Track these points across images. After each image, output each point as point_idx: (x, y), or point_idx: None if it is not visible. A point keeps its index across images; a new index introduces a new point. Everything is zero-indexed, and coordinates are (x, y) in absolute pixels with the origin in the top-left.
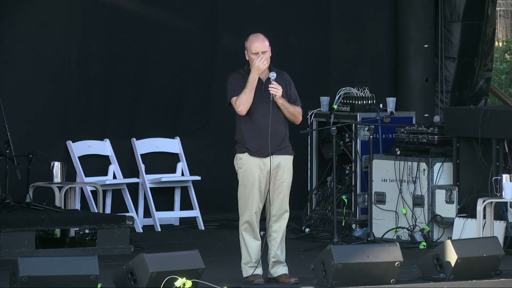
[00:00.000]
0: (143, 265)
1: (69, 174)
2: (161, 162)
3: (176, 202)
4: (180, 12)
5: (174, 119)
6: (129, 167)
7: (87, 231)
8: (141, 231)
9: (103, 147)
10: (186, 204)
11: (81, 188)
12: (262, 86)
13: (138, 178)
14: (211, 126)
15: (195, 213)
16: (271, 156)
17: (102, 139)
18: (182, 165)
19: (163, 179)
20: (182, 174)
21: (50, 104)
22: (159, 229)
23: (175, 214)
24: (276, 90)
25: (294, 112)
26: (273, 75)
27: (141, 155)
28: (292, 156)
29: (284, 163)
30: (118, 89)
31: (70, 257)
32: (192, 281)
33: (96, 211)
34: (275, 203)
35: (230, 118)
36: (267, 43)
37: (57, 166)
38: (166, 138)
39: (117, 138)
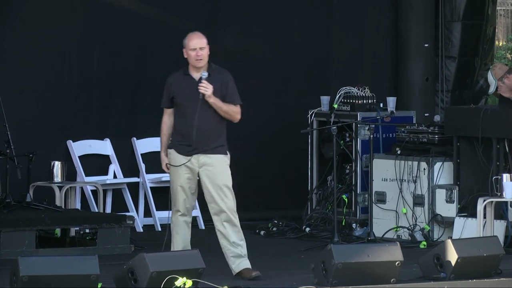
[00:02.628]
0: (144, 264)
1: (70, 174)
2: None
3: None
4: (180, 11)
5: None
6: (129, 167)
7: (87, 230)
8: (142, 230)
9: (104, 147)
10: None
11: (82, 188)
12: (196, 84)
13: (139, 177)
14: None
15: (196, 212)
16: (198, 155)
17: (102, 139)
18: None
19: (163, 179)
20: None
21: (50, 103)
22: (160, 229)
23: None
24: (205, 89)
25: (228, 111)
26: (204, 74)
27: (141, 154)
28: (224, 156)
29: (213, 163)
30: (119, 88)
31: (70, 256)
32: (192, 281)
33: (97, 210)
34: (211, 204)
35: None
36: (205, 40)
37: (57, 165)
38: None
39: (117, 138)
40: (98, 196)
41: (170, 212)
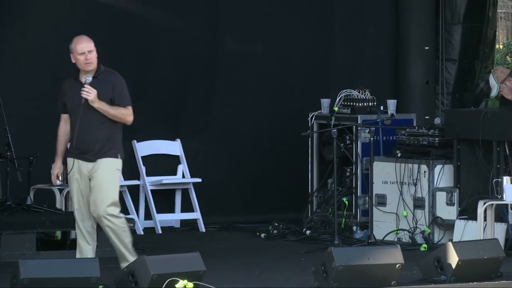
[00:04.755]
0: (144, 267)
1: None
2: (162, 164)
3: (177, 204)
4: (181, 13)
5: (174, 121)
6: (129, 169)
7: None
8: (142, 233)
9: None
10: (187, 206)
11: None
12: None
13: (139, 180)
14: (212, 128)
15: (196, 215)
16: (86, 163)
17: None
18: (183, 167)
19: (164, 181)
20: (183, 176)
21: (50, 106)
22: (160, 231)
23: (176, 216)
24: (87, 93)
25: (117, 114)
26: (88, 78)
27: (141, 157)
28: (113, 159)
29: (99, 167)
30: None
31: (71, 259)
32: (193, 283)
33: None
34: (91, 205)
35: (231, 120)
36: (92, 43)
37: None
38: (167, 140)
39: None
40: None
41: (171, 214)
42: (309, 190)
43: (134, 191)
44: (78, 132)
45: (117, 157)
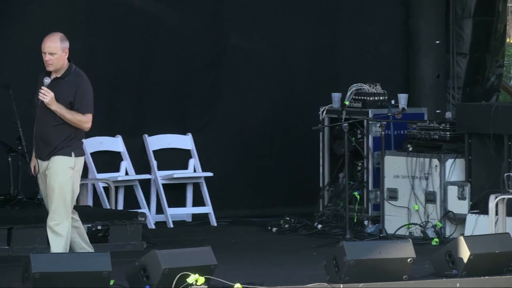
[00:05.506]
0: (156, 261)
1: (82, 170)
2: (173, 158)
3: (188, 198)
4: (187, 9)
5: (185, 115)
6: (141, 164)
7: (99, 227)
8: (154, 227)
9: (115, 144)
10: (198, 201)
11: (93, 185)
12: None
13: (150, 174)
14: (221, 122)
15: (208, 209)
16: (41, 161)
17: (114, 136)
18: (194, 162)
19: (175, 176)
20: (194, 171)
21: None
22: (172, 226)
23: (188, 211)
24: (43, 96)
25: (72, 120)
26: (46, 80)
27: (153, 151)
28: (64, 157)
29: (51, 165)
30: (130, 85)
31: (82, 253)
32: (204, 277)
33: (108, 207)
34: (49, 207)
35: (239, 114)
36: (57, 44)
37: None
38: (178, 135)
39: (129, 135)
40: (110, 193)
41: (182, 208)
42: (320, 184)
43: (145, 185)
44: (36, 131)
45: (70, 155)
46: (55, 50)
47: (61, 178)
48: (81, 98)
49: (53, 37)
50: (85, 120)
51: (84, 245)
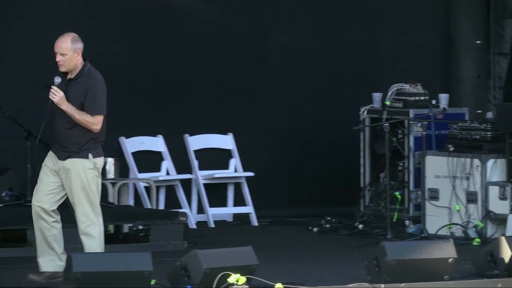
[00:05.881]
0: (197, 261)
1: (122, 170)
2: (214, 158)
3: (230, 198)
4: (228, 7)
5: (226, 115)
6: (182, 163)
7: (140, 227)
8: (195, 227)
9: (156, 143)
10: (239, 200)
11: (134, 184)
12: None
13: (191, 174)
14: (262, 121)
15: (249, 209)
16: (56, 158)
17: (155, 135)
18: (235, 161)
19: (216, 175)
20: (235, 170)
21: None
22: (213, 225)
23: (229, 210)
24: (52, 95)
25: (81, 120)
26: (57, 80)
27: (194, 151)
28: (80, 159)
29: (69, 167)
30: (171, 85)
31: (123, 253)
32: (245, 277)
33: (150, 207)
34: (74, 208)
35: (280, 113)
36: (68, 45)
37: (110, 162)
38: (219, 134)
39: (170, 134)
40: (151, 192)
41: (223, 208)
42: (361, 184)
43: (186, 185)
44: (54, 132)
45: (87, 157)
46: (66, 50)
47: (82, 181)
48: (91, 99)
49: (64, 37)
50: (93, 122)
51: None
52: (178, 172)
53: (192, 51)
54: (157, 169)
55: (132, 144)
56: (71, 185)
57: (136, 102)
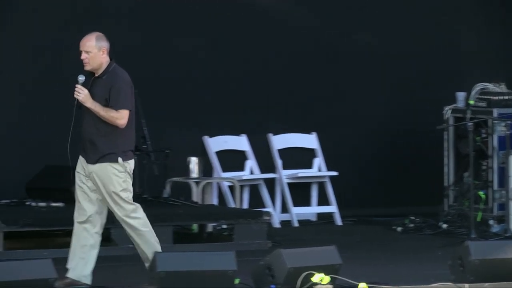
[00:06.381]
0: (281, 260)
1: (206, 169)
2: (297, 157)
3: (313, 197)
4: (307, 7)
5: (309, 114)
6: (266, 163)
7: (224, 226)
8: (279, 226)
9: (240, 142)
10: (323, 200)
11: (218, 183)
12: None
13: (275, 173)
14: (345, 120)
15: (332, 208)
16: (85, 162)
17: (238, 134)
18: (319, 161)
19: (300, 175)
20: (319, 170)
21: (186, 99)
22: (297, 225)
23: (312, 210)
24: (77, 94)
25: (106, 116)
26: (81, 78)
27: (277, 150)
28: (108, 164)
29: (99, 172)
30: (254, 84)
31: (207, 252)
32: (329, 277)
33: (233, 206)
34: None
35: (363, 112)
36: (92, 43)
37: (194, 161)
38: (303, 134)
39: (253, 134)
40: (235, 191)
41: (307, 208)
42: (445, 184)
43: (270, 184)
44: (83, 132)
45: (117, 161)
46: (90, 48)
47: (114, 186)
48: (115, 94)
49: (90, 35)
50: (118, 116)
51: (87, 257)
52: (262, 171)
53: (274, 51)
54: (241, 168)
55: (216, 143)
56: (101, 189)
57: (220, 101)
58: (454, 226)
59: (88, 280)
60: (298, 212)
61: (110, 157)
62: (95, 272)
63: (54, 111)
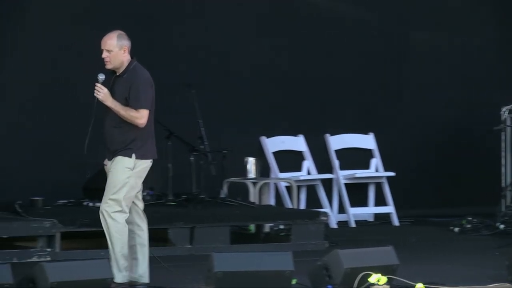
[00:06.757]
0: (338, 261)
1: (263, 170)
2: (355, 157)
3: (370, 198)
4: (369, 6)
5: (367, 114)
6: (323, 163)
7: (281, 226)
8: (336, 227)
9: (297, 143)
10: (380, 200)
11: (276, 184)
12: None
13: (332, 174)
14: (403, 121)
15: (390, 209)
16: (109, 162)
17: (296, 135)
18: (376, 161)
19: (357, 175)
20: (376, 170)
21: (243, 100)
22: (354, 225)
23: (369, 210)
24: (97, 92)
25: (125, 116)
26: (101, 77)
27: (335, 150)
28: (124, 157)
29: (113, 165)
30: (311, 85)
31: (264, 252)
32: (386, 277)
33: (291, 206)
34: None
35: (421, 113)
36: (114, 41)
37: (251, 161)
38: (360, 134)
39: (310, 134)
40: (292, 192)
41: (364, 208)
42: (503, 184)
43: (327, 184)
44: (104, 131)
45: (130, 157)
46: (111, 47)
47: (118, 178)
48: (135, 94)
49: (111, 34)
50: (138, 116)
51: (140, 257)
52: (319, 172)
53: (334, 50)
54: (298, 168)
55: (273, 144)
56: (108, 179)
57: (278, 102)
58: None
59: (145, 279)
60: (355, 213)
61: (124, 152)
62: (152, 272)
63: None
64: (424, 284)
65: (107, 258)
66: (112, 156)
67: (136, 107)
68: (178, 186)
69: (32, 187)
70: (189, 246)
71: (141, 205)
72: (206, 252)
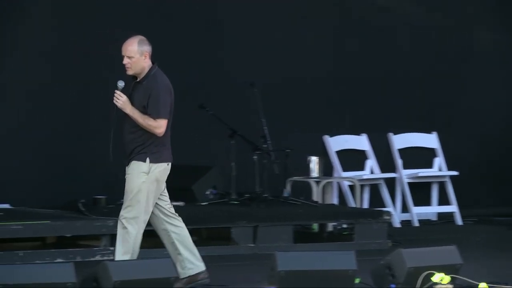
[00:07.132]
0: (401, 260)
1: (326, 169)
2: (418, 157)
3: (434, 197)
4: (431, 7)
5: (430, 114)
6: (386, 162)
7: (344, 225)
8: (399, 226)
9: (360, 142)
10: (443, 199)
11: (339, 183)
12: None
13: (395, 173)
14: (466, 119)
15: (453, 208)
16: (127, 168)
17: (358, 134)
18: (439, 160)
19: (420, 174)
20: (440, 169)
21: (306, 99)
22: (417, 224)
23: (433, 209)
24: (116, 100)
25: (144, 124)
26: (120, 84)
27: (398, 150)
28: (139, 162)
29: (129, 170)
30: (375, 84)
31: (327, 251)
32: (450, 277)
33: (354, 205)
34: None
35: (483, 112)
36: (135, 47)
37: (314, 160)
38: (423, 133)
39: (373, 133)
40: (355, 191)
41: (427, 207)
42: None
43: (390, 184)
44: (121, 136)
45: (145, 161)
46: (132, 53)
47: (134, 183)
48: (153, 102)
49: (131, 40)
50: (156, 125)
51: (183, 251)
52: (382, 171)
53: (395, 51)
54: (361, 167)
55: (336, 143)
56: (126, 185)
57: (340, 101)
58: None
59: (200, 268)
60: (419, 212)
61: (139, 157)
62: (215, 271)
63: None
64: (487, 283)
65: (170, 257)
66: (128, 161)
67: (155, 116)
68: (241, 185)
69: (97, 186)
70: (252, 245)
71: (167, 205)
72: (269, 251)
